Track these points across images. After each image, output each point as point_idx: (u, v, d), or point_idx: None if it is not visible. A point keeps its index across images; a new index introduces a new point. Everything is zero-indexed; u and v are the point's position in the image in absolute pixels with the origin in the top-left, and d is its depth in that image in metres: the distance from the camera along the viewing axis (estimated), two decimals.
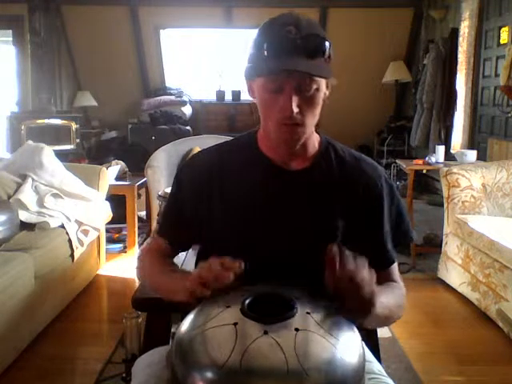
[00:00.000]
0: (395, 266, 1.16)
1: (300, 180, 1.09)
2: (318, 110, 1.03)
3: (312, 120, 1.03)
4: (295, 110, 0.97)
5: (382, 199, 1.11)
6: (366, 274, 0.87)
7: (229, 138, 1.23)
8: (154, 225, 1.30)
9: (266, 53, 0.97)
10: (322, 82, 1.00)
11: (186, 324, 0.83)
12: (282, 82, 0.97)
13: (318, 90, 1.00)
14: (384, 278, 1.13)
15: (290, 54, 0.95)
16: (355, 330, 0.84)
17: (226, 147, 1.17)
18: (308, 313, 0.81)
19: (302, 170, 1.09)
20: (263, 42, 0.98)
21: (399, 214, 1.15)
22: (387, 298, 1.03)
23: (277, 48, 0.96)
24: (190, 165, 1.20)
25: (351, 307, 0.88)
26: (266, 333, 0.76)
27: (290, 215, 1.07)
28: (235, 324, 0.78)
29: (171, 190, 1.20)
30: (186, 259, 1.41)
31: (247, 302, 0.82)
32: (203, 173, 1.12)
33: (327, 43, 0.99)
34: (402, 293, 1.14)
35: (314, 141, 1.11)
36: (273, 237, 1.07)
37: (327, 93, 1.04)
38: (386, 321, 1.07)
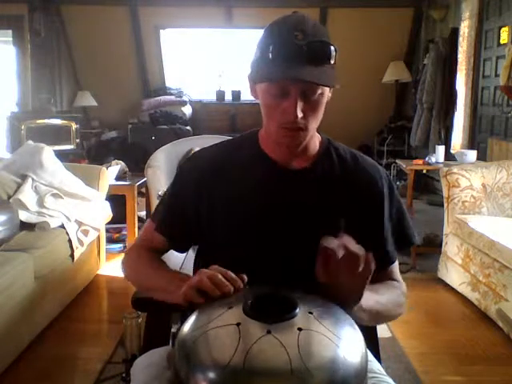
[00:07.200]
0: (396, 265, 1.16)
1: (301, 179, 1.09)
2: (320, 114, 1.03)
3: (315, 124, 1.03)
4: (299, 114, 0.98)
5: (382, 198, 1.11)
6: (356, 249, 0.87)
7: (227, 138, 1.23)
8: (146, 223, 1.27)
9: (271, 56, 0.96)
10: (326, 87, 1.00)
11: (188, 325, 0.83)
12: (287, 88, 0.97)
13: (322, 94, 1.00)
14: (384, 277, 1.14)
15: (296, 61, 0.95)
16: (357, 329, 0.84)
17: (227, 145, 1.17)
18: (310, 312, 0.81)
19: (303, 169, 1.10)
20: (269, 44, 0.97)
21: (400, 216, 1.15)
22: (380, 294, 1.03)
23: (282, 53, 0.95)
24: (191, 163, 1.19)
25: (341, 292, 0.88)
26: (269, 332, 0.75)
27: (291, 214, 1.07)
28: (238, 324, 0.78)
29: (171, 187, 1.18)
30: (185, 259, 1.41)
31: (250, 302, 0.82)
32: (205, 170, 1.12)
33: (333, 49, 0.98)
34: (402, 291, 1.14)
35: (315, 141, 1.12)
36: (274, 236, 1.07)
37: (330, 95, 1.04)
38: (379, 317, 1.06)
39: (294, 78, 0.95)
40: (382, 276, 1.14)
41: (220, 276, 0.87)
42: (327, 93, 1.02)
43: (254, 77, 1.04)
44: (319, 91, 0.99)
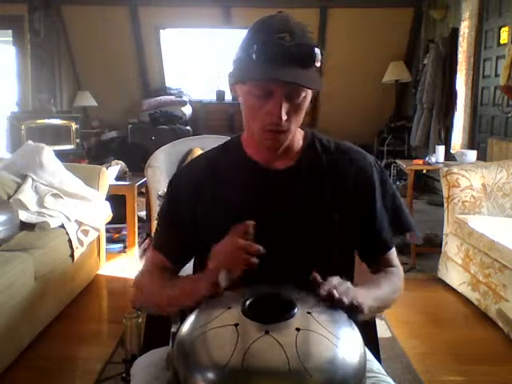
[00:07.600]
0: (393, 251, 1.15)
1: (286, 178, 1.09)
2: (302, 117, 1.03)
3: (296, 125, 1.03)
4: (284, 117, 0.97)
5: (373, 185, 1.10)
6: (341, 288, 0.87)
7: (227, 138, 1.23)
8: (154, 226, 1.26)
9: (254, 56, 0.95)
10: (310, 90, 1.00)
11: (187, 325, 0.83)
12: (271, 89, 0.96)
13: (305, 97, 1.00)
14: (382, 264, 1.13)
15: (282, 62, 0.94)
16: (356, 329, 0.84)
17: (212, 154, 1.17)
18: (309, 312, 0.81)
19: (288, 168, 1.09)
20: (252, 44, 0.96)
21: (394, 201, 1.13)
22: (379, 288, 1.02)
23: (267, 54, 0.94)
24: (179, 177, 1.19)
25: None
26: (267, 333, 0.76)
27: (281, 213, 1.07)
28: (236, 325, 0.78)
29: (163, 204, 1.18)
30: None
31: (248, 302, 0.82)
32: (194, 182, 1.12)
33: (319, 52, 0.97)
34: (399, 276, 1.13)
35: (298, 138, 1.11)
36: (267, 236, 1.06)
37: (309, 98, 1.03)
38: (378, 310, 1.05)
39: (279, 79, 0.94)
40: (379, 263, 1.13)
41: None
42: (310, 95, 1.01)
43: (236, 76, 1.03)
44: (303, 94, 0.98)
